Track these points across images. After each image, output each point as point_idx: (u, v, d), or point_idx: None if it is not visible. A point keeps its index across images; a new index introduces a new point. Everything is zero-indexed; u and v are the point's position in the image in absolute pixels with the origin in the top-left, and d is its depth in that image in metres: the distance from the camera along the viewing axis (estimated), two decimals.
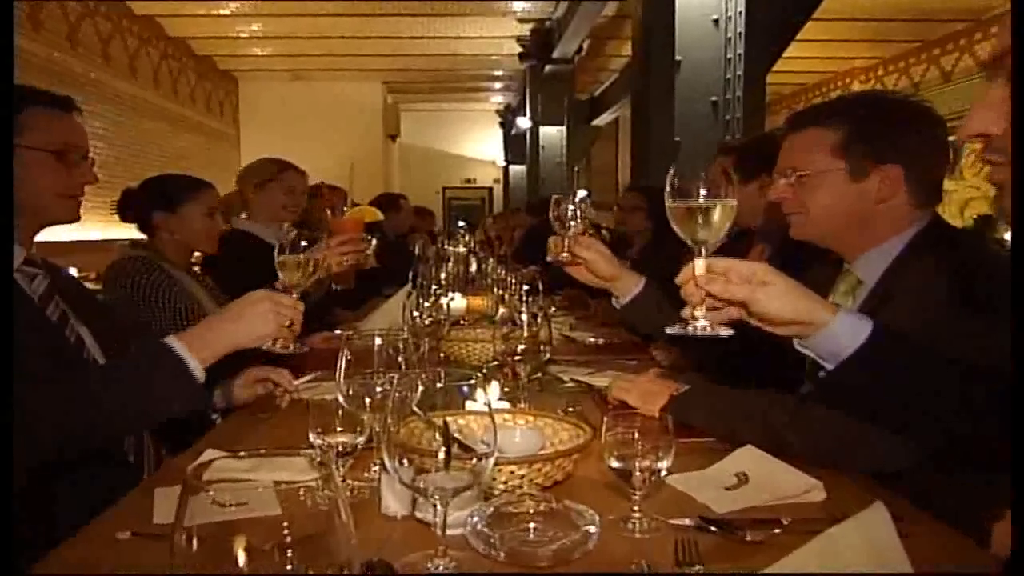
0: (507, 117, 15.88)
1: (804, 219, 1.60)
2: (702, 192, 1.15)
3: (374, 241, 3.71)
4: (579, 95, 11.90)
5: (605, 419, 1.17)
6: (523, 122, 12.67)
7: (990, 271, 1.35)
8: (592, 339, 2.84)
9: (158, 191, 2.54)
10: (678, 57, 4.68)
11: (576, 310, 3.61)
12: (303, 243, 1.70)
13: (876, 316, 1.21)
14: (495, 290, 2.92)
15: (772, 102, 13.58)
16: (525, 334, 1.72)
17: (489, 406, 1.01)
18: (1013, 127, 0.84)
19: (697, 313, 1.18)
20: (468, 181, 18.17)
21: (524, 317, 1.74)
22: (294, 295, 1.61)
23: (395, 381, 1.04)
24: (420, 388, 1.05)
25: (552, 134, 11.45)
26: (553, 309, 3.05)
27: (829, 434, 1.37)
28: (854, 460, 1.35)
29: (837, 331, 1.17)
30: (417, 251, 4.74)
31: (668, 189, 1.17)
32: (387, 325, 2.61)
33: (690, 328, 1.18)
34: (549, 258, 1.97)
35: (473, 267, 4.19)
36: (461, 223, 9.05)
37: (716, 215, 1.16)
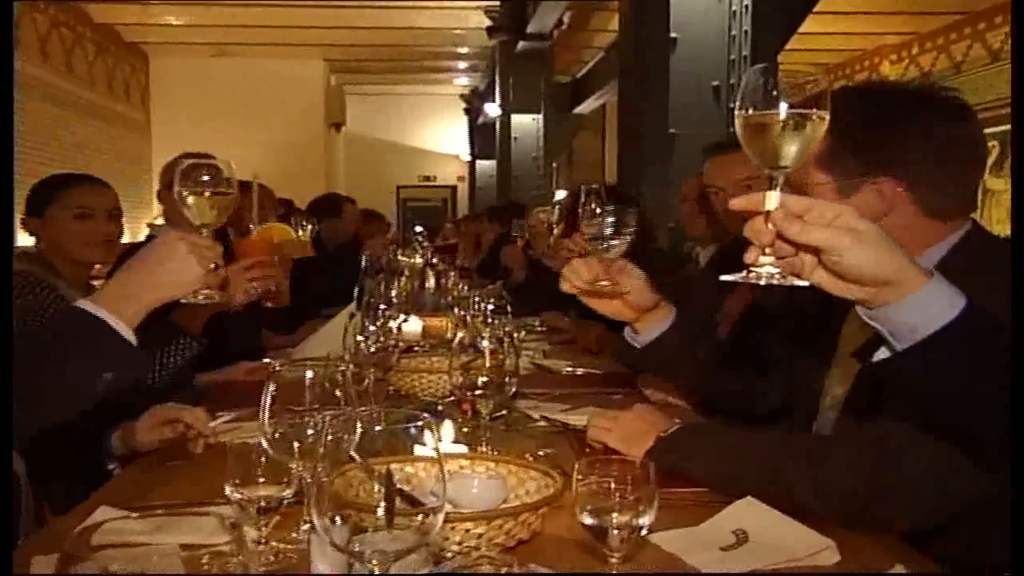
0: (473, 103, 15.93)
1: None
2: (784, 104, 1.08)
3: (309, 227, 3.70)
4: (558, 77, 11.96)
5: (576, 466, 1.18)
6: (492, 109, 12.71)
7: None
8: (569, 368, 2.87)
9: (30, 193, 2.57)
10: (673, 34, 4.73)
11: (552, 334, 3.63)
12: (204, 176, 1.60)
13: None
14: (455, 310, 2.94)
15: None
16: (488, 363, 1.74)
17: (437, 450, 1.02)
18: (1013, 126, 0.88)
19: (764, 258, 1.12)
20: (427, 179, 18.18)
21: (486, 343, 1.75)
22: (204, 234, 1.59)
23: (326, 421, 1.05)
24: (358, 429, 1.06)
25: (526, 123, 11.50)
26: (523, 333, 3.07)
27: (857, 490, 1.37)
28: (885, 520, 1.37)
29: (928, 298, 1.10)
30: (364, 263, 4.74)
31: (740, 96, 1.11)
32: (327, 352, 2.61)
33: (753, 275, 1.12)
34: (575, 287, 1.82)
35: (431, 282, 4.20)
36: (419, 228, 9.02)
37: (806, 131, 1.08)
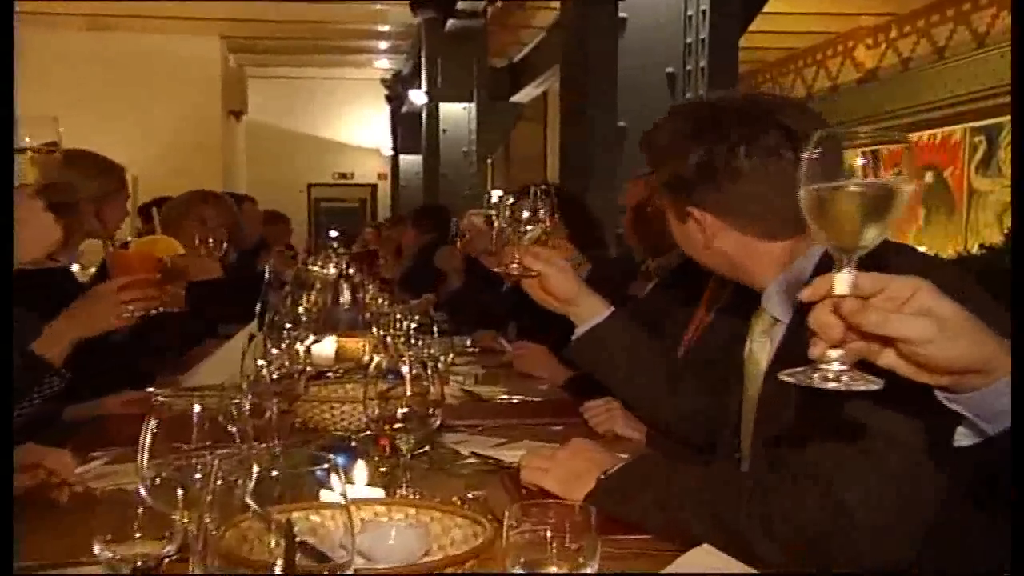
0: (396, 89, 15.94)
1: None
2: (860, 170, 1.03)
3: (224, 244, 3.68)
4: (493, 61, 12.04)
5: (507, 512, 1.18)
6: (417, 96, 12.74)
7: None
8: (504, 396, 2.88)
9: None
10: (623, 13, 4.80)
11: (486, 356, 3.63)
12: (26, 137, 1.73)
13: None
14: (374, 329, 2.92)
15: (752, 72, 14.02)
16: (409, 391, 1.73)
17: (344, 496, 1.01)
18: (1013, 125, 0.91)
19: (832, 353, 1.04)
20: (343, 176, 18.14)
21: (407, 368, 1.74)
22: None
23: (217, 462, 1.03)
24: (255, 471, 1.05)
25: (457, 113, 11.55)
26: (452, 356, 3.07)
27: (811, 527, 1.40)
28: (852, 557, 1.39)
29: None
30: (267, 275, 4.69)
31: (805, 165, 1.06)
32: (222, 380, 2.58)
33: (817, 377, 1.05)
34: (498, 269, 2.18)
35: (346, 297, 4.18)
36: (334, 233, 8.99)
37: (892, 204, 1.03)
